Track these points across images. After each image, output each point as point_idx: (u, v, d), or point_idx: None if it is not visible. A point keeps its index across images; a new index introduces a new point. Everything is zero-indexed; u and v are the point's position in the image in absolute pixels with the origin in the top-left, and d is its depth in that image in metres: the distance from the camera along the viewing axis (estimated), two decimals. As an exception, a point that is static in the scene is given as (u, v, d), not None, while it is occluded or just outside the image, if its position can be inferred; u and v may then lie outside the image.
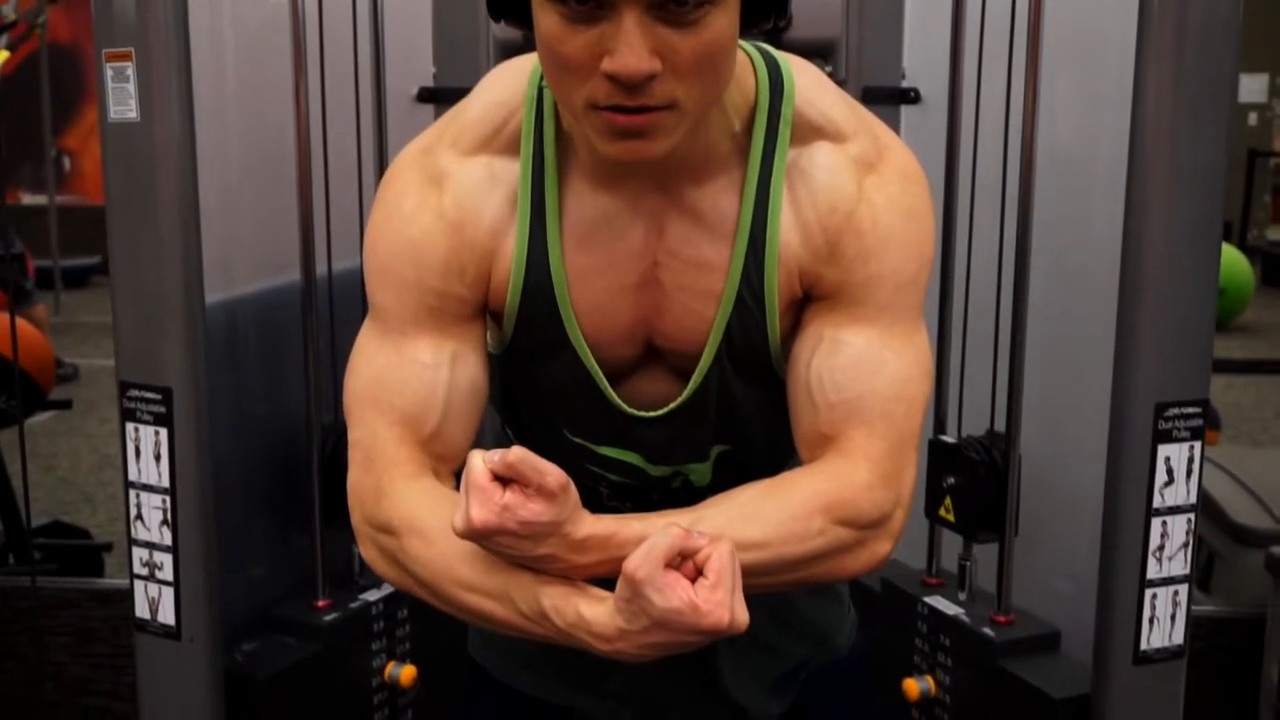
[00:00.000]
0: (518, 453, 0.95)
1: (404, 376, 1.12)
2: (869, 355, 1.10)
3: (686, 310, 1.14)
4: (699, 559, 0.96)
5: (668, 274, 1.13)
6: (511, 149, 1.12)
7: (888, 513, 1.10)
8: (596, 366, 1.16)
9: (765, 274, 1.12)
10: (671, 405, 1.18)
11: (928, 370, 1.14)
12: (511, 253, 1.12)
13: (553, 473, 0.96)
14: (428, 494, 1.09)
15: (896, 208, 1.11)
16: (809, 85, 1.13)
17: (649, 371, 1.19)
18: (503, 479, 0.96)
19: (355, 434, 1.14)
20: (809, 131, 1.12)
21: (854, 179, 1.11)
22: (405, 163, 1.15)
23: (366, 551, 1.13)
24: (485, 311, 1.17)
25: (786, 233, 1.11)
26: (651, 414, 1.19)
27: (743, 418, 1.21)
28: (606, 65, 0.96)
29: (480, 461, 0.96)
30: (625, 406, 1.18)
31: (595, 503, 1.23)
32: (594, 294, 1.13)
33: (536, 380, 1.21)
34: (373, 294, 1.15)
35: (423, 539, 1.06)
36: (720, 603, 0.94)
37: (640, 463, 1.23)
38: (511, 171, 1.12)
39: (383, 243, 1.13)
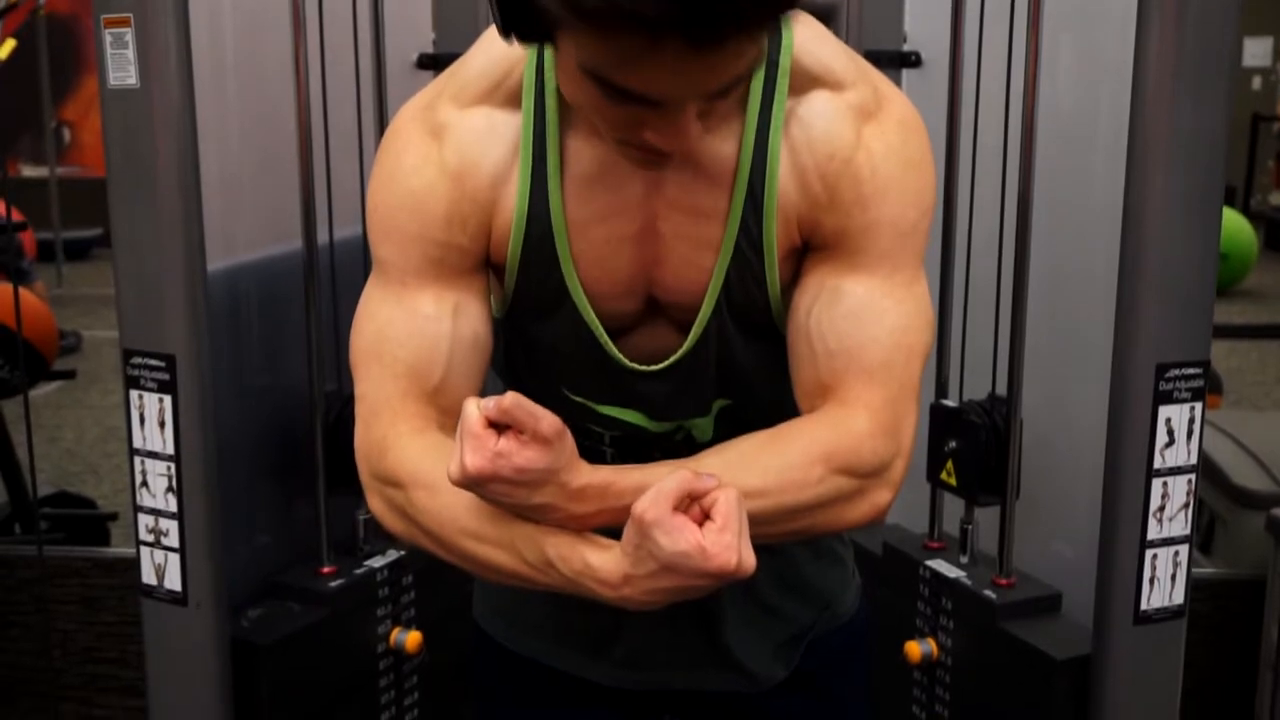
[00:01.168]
0: (512, 398, 0.96)
1: (408, 329, 1.12)
2: (869, 304, 1.10)
3: (685, 261, 1.14)
4: (706, 503, 0.97)
5: (667, 224, 1.13)
6: (513, 102, 1.12)
7: (888, 461, 1.10)
8: (596, 320, 1.16)
9: (764, 223, 1.12)
10: (672, 359, 1.18)
11: (929, 320, 1.14)
12: (513, 204, 1.12)
13: (547, 418, 0.96)
14: (433, 447, 1.09)
15: (895, 156, 1.11)
16: (808, 36, 1.13)
17: (649, 327, 1.19)
18: (498, 426, 0.97)
19: (360, 388, 1.15)
20: (807, 81, 1.11)
21: (853, 127, 1.10)
22: (406, 117, 1.15)
23: (374, 504, 1.13)
24: (488, 265, 1.17)
25: (784, 181, 1.11)
26: (652, 368, 1.19)
27: (743, 370, 1.21)
28: (652, 139, 0.98)
29: (475, 408, 0.97)
30: (625, 360, 1.18)
31: (598, 461, 1.24)
32: (594, 245, 1.13)
33: (537, 339, 1.21)
34: (376, 248, 1.15)
35: (428, 490, 1.07)
36: (728, 545, 0.95)
37: (642, 421, 1.23)
38: (513, 123, 1.12)
39: (385, 196, 1.13)
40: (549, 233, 1.12)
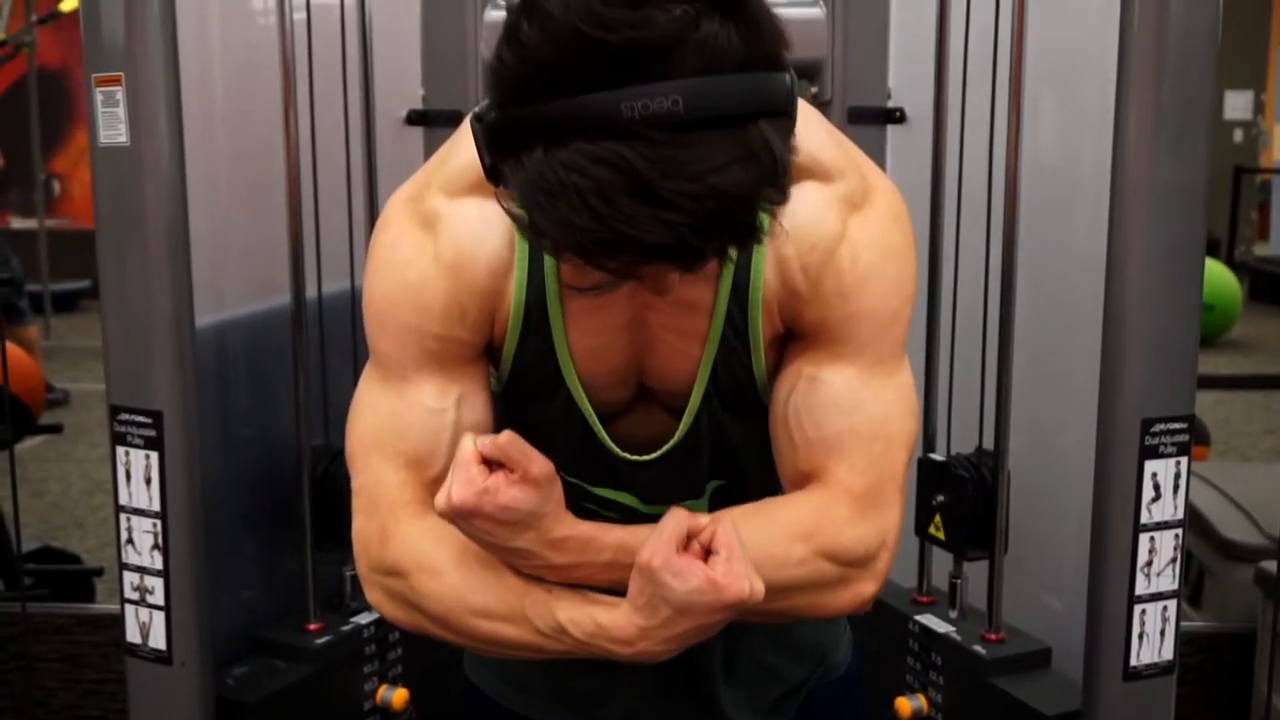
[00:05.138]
0: (508, 436, 0.97)
1: (408, 421, 1.11)
2: (846, 394, 1.10)
3: (673, 351, 1.14)
4: (704, 539, 0.98)
5: (655, 315, 1.12)
6: None
7: (873, 552, 1.10)
8: (590, 410, 1.16)
9: (749, 313, 1.11)
10: (664, 448, 1.18)
11: (911, 409, 1.14)
12: (511, 294, 1.11)
13: (539, 461, 0.97)
14: (433, 530, 1.08)
15: (877, 246, 1.10)
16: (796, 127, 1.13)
17: (642, 412, 1.19)
18: (492, 463, 0.98)
19: (359, 481, 1.13)
20: (796, 173, 1.11)
21: (838, 218, 1.09)
22: (396, 209, 1.13)
23: (374, 598, 1.12)
24: (488, 348, 1.16)
25: (767, 270, 1.10)
26: (644, 458, 1.19)
27: (736, 453, 1.21)
28: (638, 286, 1.00)
29: (470, 443, 0.98)
30: (617, 450, 1.18)
31: None
32: (587, 334, 1.13)
33: (531, 420, 1.20)
34: (373, 341, 1.14)
35: (432, 574, 1.07)
36: (739, 574, 0.96)
37: (634, 503, 1.23)
38: (505, 214, 1.11)
39: (380, 290, 1.12)
40: (546, 323, 1.12)
